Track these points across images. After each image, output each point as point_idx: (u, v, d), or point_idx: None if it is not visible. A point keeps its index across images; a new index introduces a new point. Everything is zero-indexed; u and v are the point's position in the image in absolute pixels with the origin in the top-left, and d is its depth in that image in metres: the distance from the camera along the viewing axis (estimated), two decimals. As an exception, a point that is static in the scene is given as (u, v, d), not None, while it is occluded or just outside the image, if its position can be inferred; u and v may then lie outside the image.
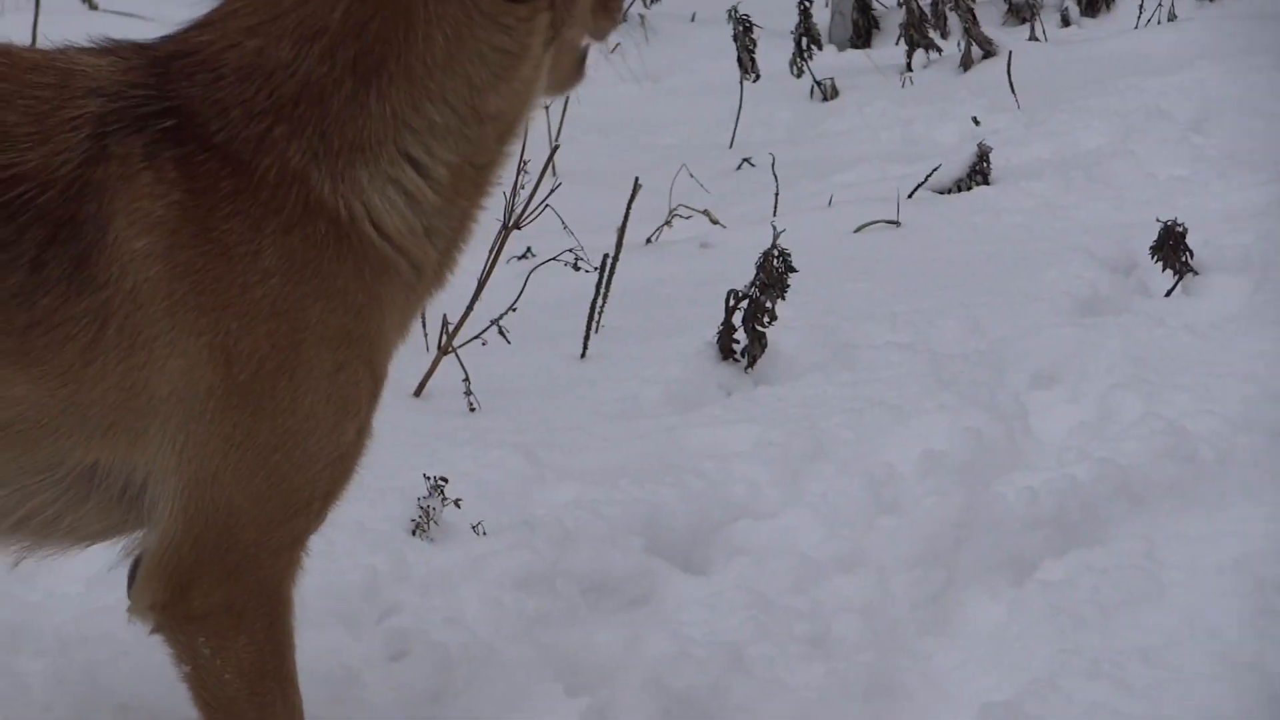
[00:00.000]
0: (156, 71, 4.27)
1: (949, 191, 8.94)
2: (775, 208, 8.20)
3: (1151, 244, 8.01)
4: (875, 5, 11.35)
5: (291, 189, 4.25)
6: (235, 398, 4.29)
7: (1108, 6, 12.25)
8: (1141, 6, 12.28)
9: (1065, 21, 12.00)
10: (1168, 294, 7.87)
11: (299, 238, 4.27)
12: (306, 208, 4.27)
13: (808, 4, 11.03)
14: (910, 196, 8.85)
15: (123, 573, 4.59)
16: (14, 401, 4.21)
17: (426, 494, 5.87)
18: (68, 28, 9.43)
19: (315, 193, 4.26)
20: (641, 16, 11.50)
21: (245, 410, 4.30)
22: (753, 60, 10.31)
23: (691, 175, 8.68)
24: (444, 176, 4.36)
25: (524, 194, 7.84)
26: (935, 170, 9.06)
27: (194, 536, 4.35)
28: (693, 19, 11.34)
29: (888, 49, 11.16)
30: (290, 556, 4.46)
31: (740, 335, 7.14)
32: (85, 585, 5.11)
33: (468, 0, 4.30)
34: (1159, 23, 11.99)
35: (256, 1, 4.29)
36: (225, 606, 4.38)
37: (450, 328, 6.88)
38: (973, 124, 9.70)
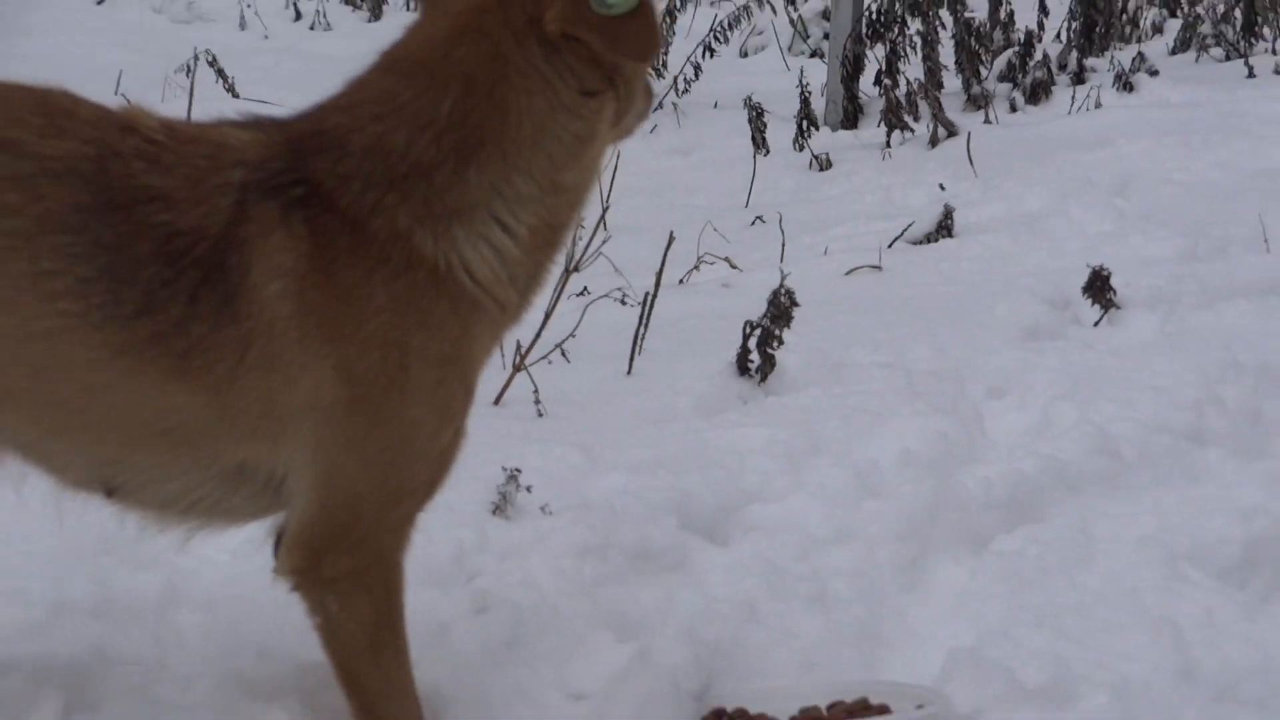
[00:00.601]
0: (292, 147, 4.28)
1: (920, 243, 8.94)
2: (782, 256, 8.18)
3: (1082, 285, 8.01)
4: (861, 95, 11.32)
5: (398, 244, 4.27)
6: (355, 409, 4.32)
7: (1047, 96, 12.20)
8: (1073, 97, 12.25)
9: (1013, 108, 11.95)
10: (1095, 324, 7.86)
11: (404, 283, 4.29)
12: (410, 259, 4.29)
13: (807, 94, 11.03)
14: (889, 246, 8.85)
15: (265, 543, 4.61)
16: (178, 409, 4.23)
17: (504, 482, 5.87)
18: (211, 114, 9.44)
19: (418, 248, 4.28)
20: (675, 104, 11.49)
21: (363, 419, 4.33)
22: (763, 138, 10.30)
23: (715, 229, 8.67)
24: (526, 236, 4.36)
25: (582, 244, 7.87)
26: (909, 226, 9.05)
27: (324, 518, 4.38)
28: (715, 105, 11.30)
29: (870, 130, 11.14)
30: (402, 533, 4.48)
31: (754, 357, 7.14)
32: (230, 555, 5.07)
33: (551, 95, 4.30)
34: (1087, 110, 11.95)
35: (381, 94, 4.34)
36: (350, 572, 4.41)
37: (523, 350, 6.90)
38: (939, 189, 9.69)
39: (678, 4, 13.16)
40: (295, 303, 4.25)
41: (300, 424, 4.33)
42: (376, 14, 13.55)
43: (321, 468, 4.38)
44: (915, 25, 11.86)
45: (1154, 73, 12.99)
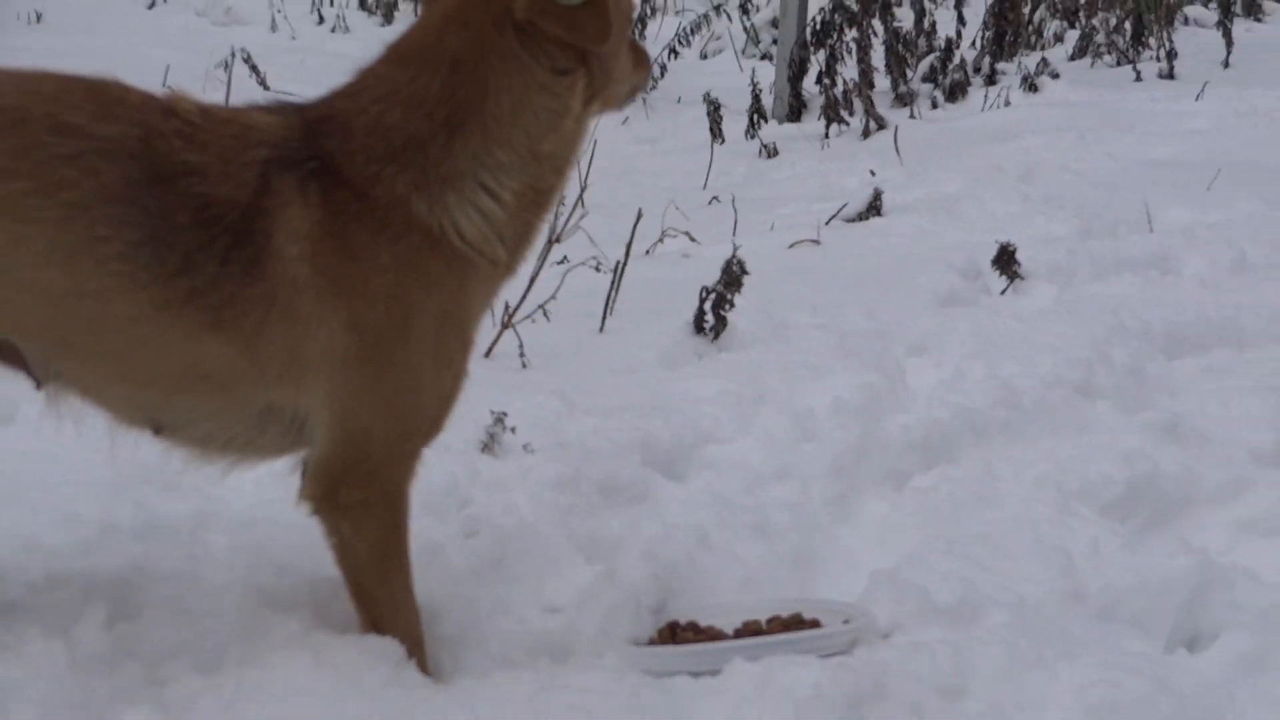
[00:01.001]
0: (307, 128, 4.36)
1: (853, 220, 8.93)
2: (734, 230, 8.18)
3: (991, 258, 8.00)
4: (804, 93, 11.31)
5: (398, 210, 4.33)
6: (364, 358, 4.35)
7: (963, 95, 12.21)
8: (986, 96, 12.24)
9: (934, 105, 11.96)
10: (1002, 293, 7.88)
11: (404, 244, 4.35)
12: (408, 223, 4.35)
13: (758, 91, 11.03)
14: (827, 224, 8.82)
15: (288, 475, 4.72)
16: (213, 358, 4.28)
17: (492, 424, 5.89)
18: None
19: (415, 213, 4.34)
20: (644, 99, 11.44)
21: (372, 366, 4.36)
22: (720, 129, 10.31)
23: (677, 208, 8.64)
24: (510, 200, 4.42)
25: (562, 219, 7.87)
26: (843, 206, 9.03)
27: (340, 454, 4.42)
28: (679, 101, 11.28)
29: (811, 123, 11.13)
30: (408, 467, 4.53)
31: (709, 318, 7.15)
32: (254, 485, 5.08)
33: (526, 75, 4.37)
34: (998, 107, 11.95)
35: (381, 79, 4.43)
36: (361, 501, 4.45)
37: (510, 310, 6.91)
38: (870, 175, 9.69)
39: (648, 12, 13.09)
40: (311, 263, 4.29)
41: (318, 371, 4.36)
42: (389, 18, 13.54)
43: (336, 410, 4.41)
44: (851, 33, 11.83)
45: (1055, 76, 12.99)
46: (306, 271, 4.31)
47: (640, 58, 4.82)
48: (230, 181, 4.28)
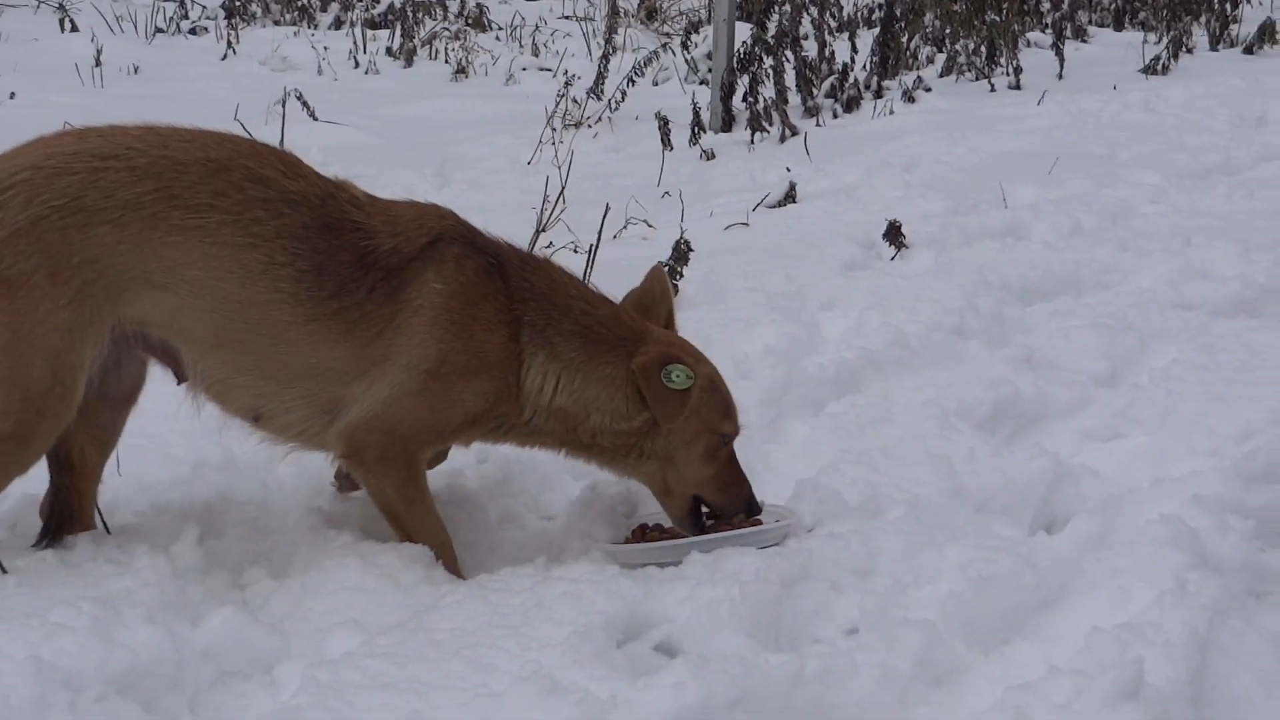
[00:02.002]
0: (471, 239, 4.65)
1: (774, 207, 8.88)
2: (682, 218, 8.10)
3: (883, 233, 7.96)
4: (734, 109, 11.26)
5: (507, 314, 4.55)
6: (433, 378, 4.40)
7: (857, 107, 12.17)
8: (875, 107, 12.20)
9: (835, 115, 11.91)
10: (892, 259, 7.82)
11: (496, 333, 4.49)
12: (510, 323, 4.53)
13: (697, 109, 10.95)
14: (754, 210, 8.77)
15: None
16: (332, 359, 4.36)
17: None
18: (299, 132, 9.27)
19: (517, 324, 4.57)
20: (610, 118, 11.35)
21: (433, 385, 4.40)
22: (669, 139, 10.21)
23: (637, 201, 8.58)
24: (558, 404, 4.68)
25: (548, 212, 7.82)
26: (766, 196, 8.98)
27: (372, 427, 4.43)
28: (636, 118, 11.22)
29: (739, 132, 11.05)
30: (426, 449, 4.59)
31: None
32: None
33: (612, 387, 4.75)
34: (884, 115, 11.92)
35: (520, 255, 4.86)
36: (378, 460, 4.48)
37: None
38: (786, 171, 9.60)
39: (610, 50, 12.99)
40: (429, 310, 4.39)
41: (394, 372, 4.39)
42: (409, 63, 13.35)
43: (387, 399, 4.41)
44: (769, 61, 11.79)
45: (928, 90, 12.93)
46: (429, 307, 4.38)
47: (731, 487, 4.78)
48: (396, 239, 4.43)
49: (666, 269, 7.18)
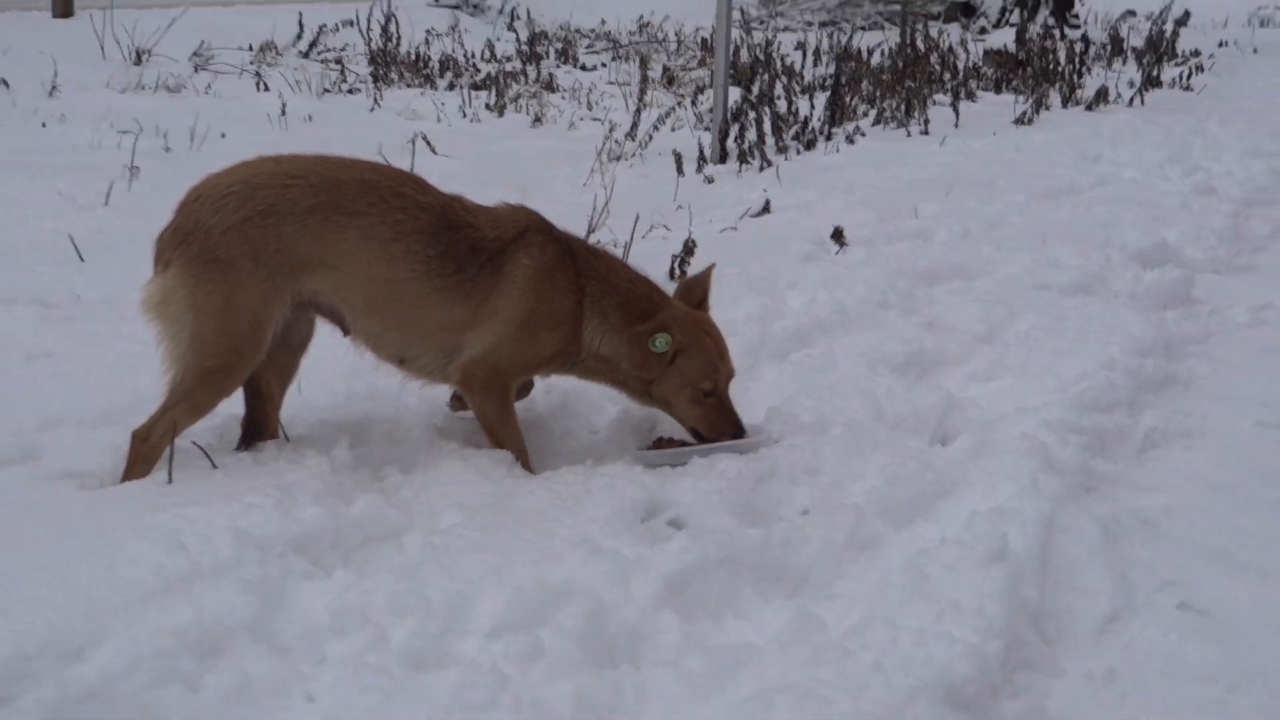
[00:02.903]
0: (555, 235, 4.62)
1: (755, 216, 8.81)
2: (690, 223, 8.05)
3: (830, 234, 7.91)
4: (728, 147, 11.18)
5: (579, 286, 4.52)
6: (522, 327, 4.37)
7: (813, 147, 12.07)
8: (826, 147, 12.11)
9: (798, 153, 11.81)
10: (836, 253, 7.75)
11: (566, 297, 4.45)
12: (577, 291, 4.48)
13: (702, 147, 10.91)
14: (740, 219, 8.71)
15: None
16: (455, 316, 4.35)
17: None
18: (423, 162, 9.21)
19: (581, 293, 4.51)
20: (641, 154, 11.29)
21: (524, 333, 4.38)
22: (681, 169, 10.14)
23: (659, 212, 8.55)
24: (604, 354, 4.66)
25: (597, 217, 7.78)
26: (749, 209, 8.92)
27: (482, 363, 4.40)
28: (659, 154, 11.14)
29: (732, 164, 10.94)
30: (517, 378, 4.56)
31: (678, 270, 7.09)
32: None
33: (635, 345, 4.68)
34: (833, 153, 11.82)
35: (592, 252, 4.78)
36: (485, 385, 4.43)
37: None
38: (763, 191, 9.53)
39: (642, 106, 12.93)
40: (522, 280, 4.38)
41: (494, 324, 4.38)
42: (501, 114, 13.33)
43: (489, 343, 4.40)
44: (752, 114, 11.74)
45: (863, 134, 12.83)
46: (519, 282, 4.38)
47: (718, 424, 4.71)
48: (496, 232, 4.43)
49: (679, 258, 7.19)
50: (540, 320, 4.46)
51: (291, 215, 4.22)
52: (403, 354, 4.50)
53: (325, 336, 4.67)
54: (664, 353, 4.55)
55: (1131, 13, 25.55)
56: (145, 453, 4.24)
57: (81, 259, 6.81)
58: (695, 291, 4.88)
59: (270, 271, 4.21)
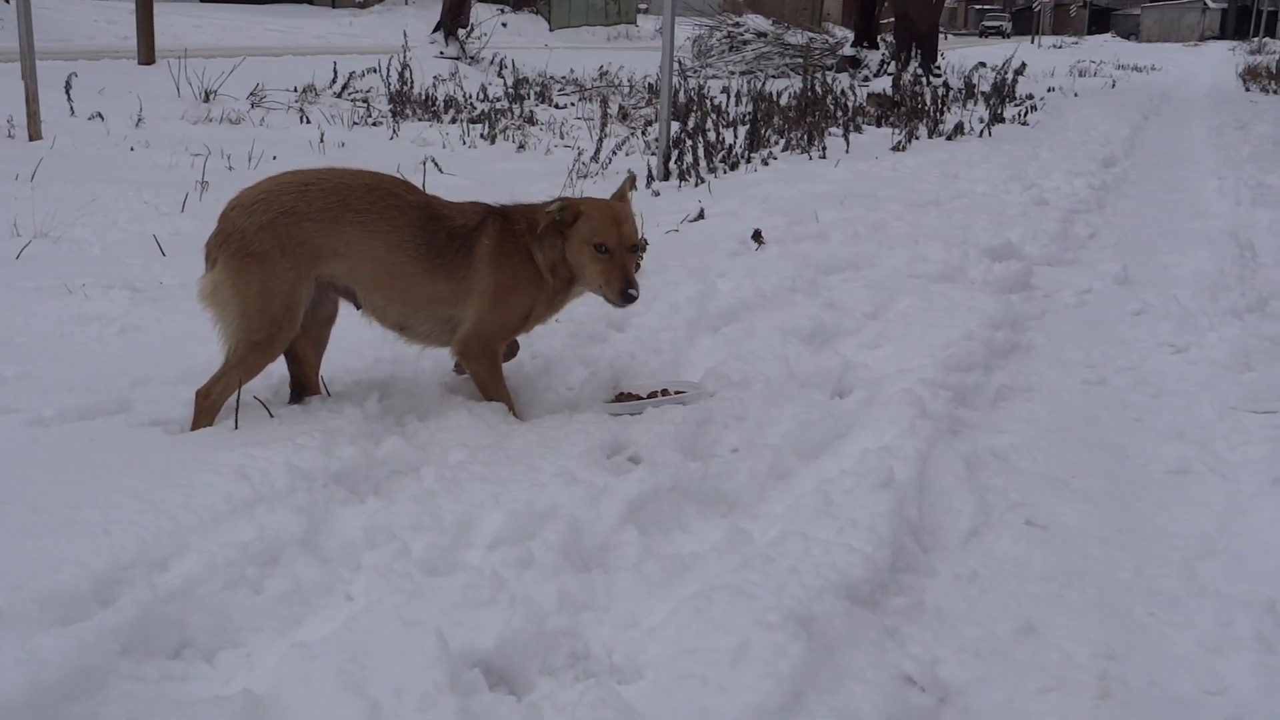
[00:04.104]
0: (505, 212, 4.44)
1: (693, 221, 8.74)
2: (641, 227, 8.00)
3: (751, 235, 7.87)
4: (671, 168, 11.10)
5: (527, 252, 4.36)
6: (495, 296, 4.24)
7: (737, 168, 12.03)
8: (747, 167, 12.06)
9: (726, 172, 11.76)
10: (756, 250, 7.71)
11: (524, 260, 4.31)
12: (528, 255, 4.32)
13: (650, 168, 10.83)
14: (680, 223, 8.63)
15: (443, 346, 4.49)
16: (441, 292, 4.24)
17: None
18: (432, 179, 9.11)
19: (536, 259, 4.37)
20: (603, 173, 11.20)
21: (496, 300, 4.25)
22: (634, 186, 10.07)
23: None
24: (551, 262, 4.44)
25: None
26: (687, 215, 8.85)
27: (473, 335, 4.30)
28: (617, 173, 11.08)
29: (674, 181, 10.84)
30: (501, 344, 4.42)
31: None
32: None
33: (553, 234, 4.46)
34: (753, 172, 11.78)
35: (526, 215, 4.47)
36: (476, 354, 4.34)
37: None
38: (698, 202, 9.48)
39: (603, 136, 12.83)
40: (487, 258, 4.28)
41: (474, 299, 4.29)
42: (493, 142, 13.21)
43: (474, 316, 4.32)
44: (689, 142, 11.67)
45: (775, 158, 12.81)
46: (485, 257, 4.30)
47: (611, 278, 4.35)
48: (465, 220, 4.34)
49: (653, 263, 7.14)
50: (506, 286, 4.36)
51: (309, 214, 4.15)
52: (403, 323, 4.42)
53: (356, 316, 4.60)
54: (551, 212, 4.36)
55: (982, 64, 25.63)
56: (207, 407, 4.19)
57: (163, 254, 6.72)
58: (616, 193, 4.70)
59: (295, 260, 4.14)
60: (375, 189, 4.30)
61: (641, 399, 4.69)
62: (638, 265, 4.72)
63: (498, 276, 4.37)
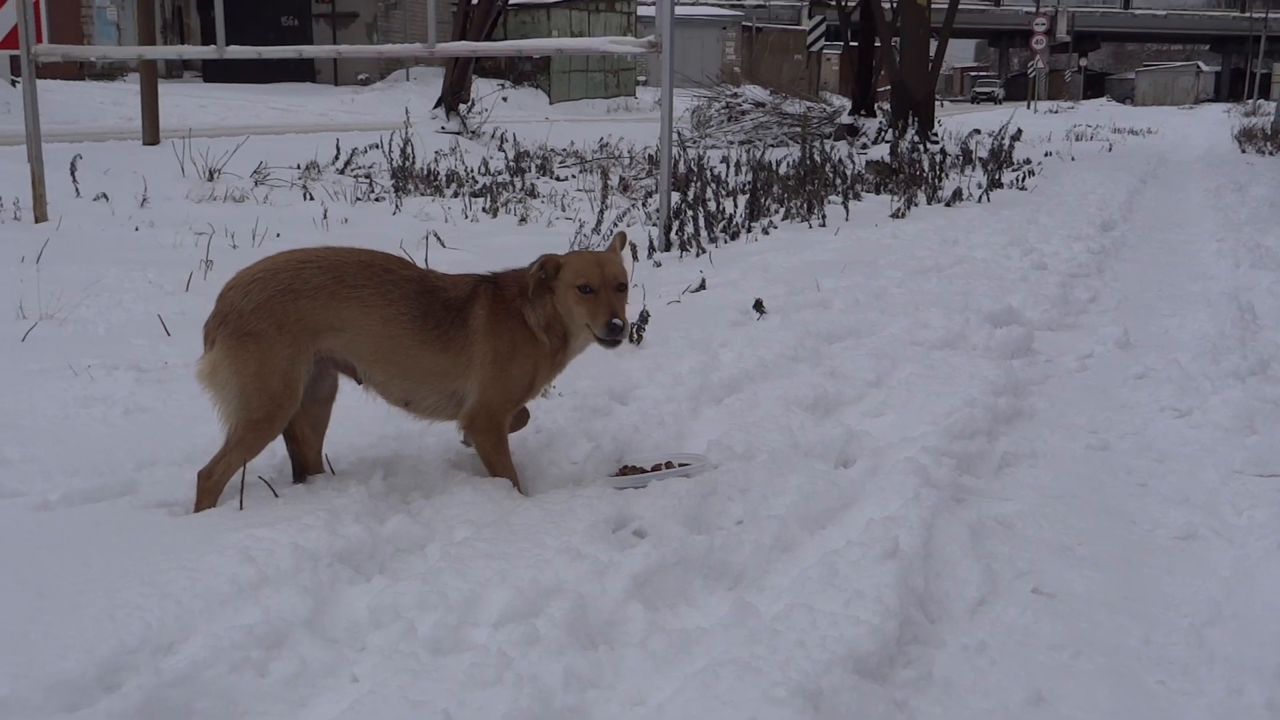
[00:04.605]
0: (495, 280, 4.43)
1: (694, 291, 8.77)
2: (644, 298, 8.02)
3: (752, 305, 7.90)
4: (673, 239, 11.16)
5: (520, 316, 4.37)
6: (495, 367, 4.25)
7: (737, 237, 12.09)
8: (748, 236, 12.13)
9: (727, 241, 11.82)
10: (758, 319, 7.73)
11: (518, 326, 4.33)
12: (521, 320, 4.33)
13: (652, 239, 10.90)
14: (683, 294, 8.67)
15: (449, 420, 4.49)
16: (441, 366, 4.26)
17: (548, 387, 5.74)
18: (435, 254, 9.17)
19: (528, 320, 4.38)
20: (603, 244, 11.28)
21: (497, 371, 4.26)
22: (636, 255, 10.13)
23: (619, 289, 8.54)
24: (544, 321, 4.44)
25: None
26: (689, 286, 8.89)
27: (478, 409, 4.31)
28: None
29: (675, 252, 10.88)
30: (507, 415, 4.41)
31: (636, 335, 7.00)
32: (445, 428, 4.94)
33: (543, 294, 4.47)
34: (753, 242, 11.85)
35: (517, 281, 4.45)
36: (483, 428, 4.36)
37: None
38: (700, 272, 9.52)
39: (604, 207, 12.94)
40: (483, 328, 4.31)
41: (476, 371, 4.31)
42: (495, 215, 13.31)
43: (478, 389, 4.33)
44: (690, 213, 11.77)
45: (775, 227, 12.89)
46: (480, 328, 4.32)
47: (596, 312, 4.33)
48: (457, 291, 4.36)
49: (636, 325, 7.16)
50: (504, 355, 4.38)
51: (305, 291, 4.18)
52: (407, 398, 4.42)
53: (359, 393, 4.62)
54: (545, 274, 4.39)
55: (977, 131, 25.87)
56: (209, 488, 4.20)
57: (168, 334, 6.76)
58: (608, 248, 4.72)
59: (293, 337, 4.16)
60: (370, 265, 4.34)
61: (646, 472, 4.69)
62: (629, 306, 4.64)
63: (495, 345, 4.39)
